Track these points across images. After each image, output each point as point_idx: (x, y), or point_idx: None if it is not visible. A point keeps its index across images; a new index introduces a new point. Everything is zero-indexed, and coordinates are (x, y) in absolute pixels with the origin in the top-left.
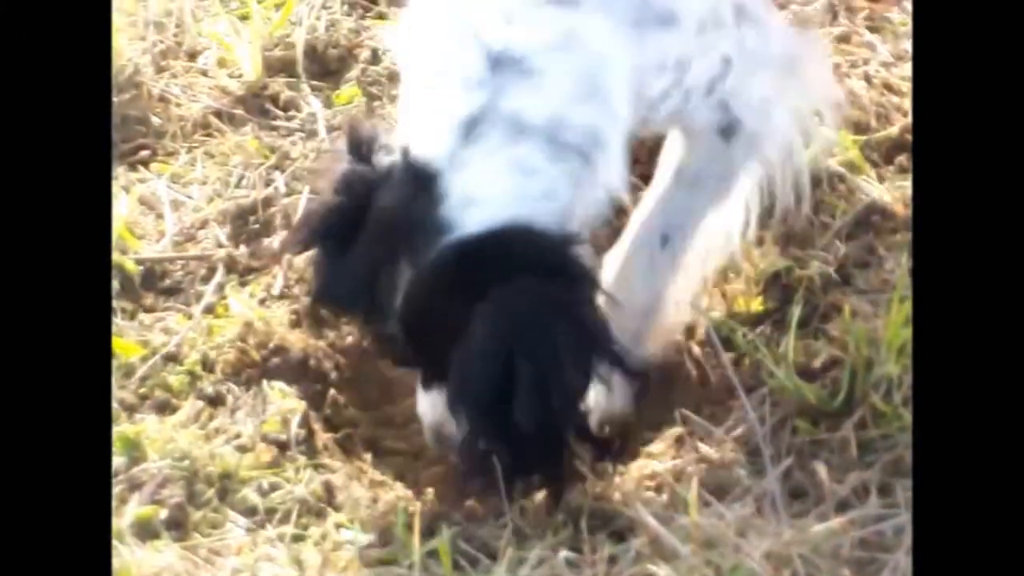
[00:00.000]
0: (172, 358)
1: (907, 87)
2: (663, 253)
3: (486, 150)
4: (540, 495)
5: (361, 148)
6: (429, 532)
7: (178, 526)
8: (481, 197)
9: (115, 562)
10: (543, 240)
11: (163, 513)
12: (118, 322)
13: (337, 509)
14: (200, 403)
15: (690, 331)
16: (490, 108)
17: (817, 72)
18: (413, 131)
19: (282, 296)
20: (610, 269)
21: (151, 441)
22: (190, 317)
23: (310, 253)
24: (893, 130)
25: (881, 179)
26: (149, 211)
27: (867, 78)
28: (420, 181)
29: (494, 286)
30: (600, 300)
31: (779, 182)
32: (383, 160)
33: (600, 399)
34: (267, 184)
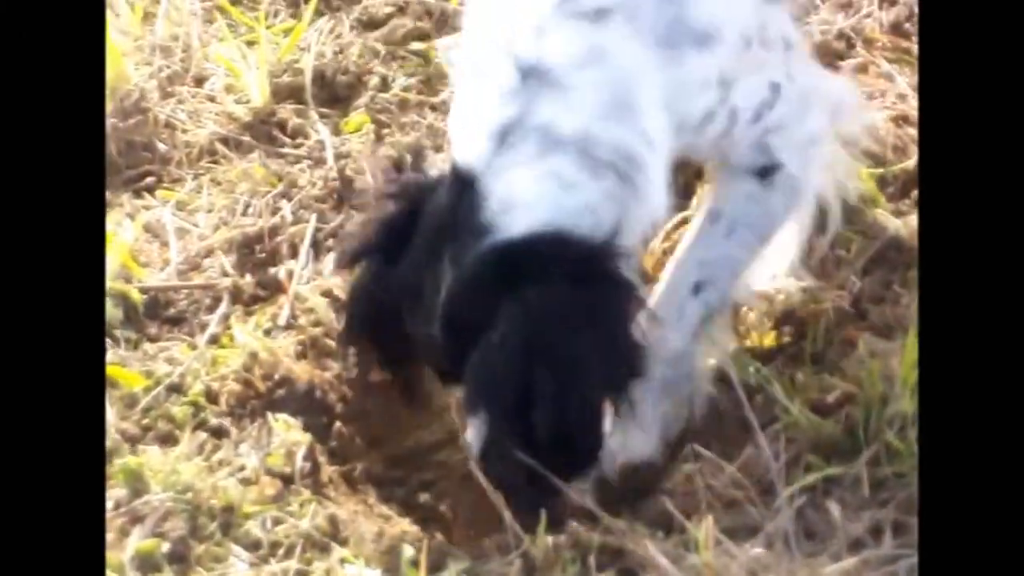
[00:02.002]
0: (176, 389)
1: None
2: (695, 301)
3: (520, 159)
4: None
5: (405, 161)
6: (436, 568)
7: (180, 560)
8: (521, 202)
9: None
10: (583, 247)
11: (165, 547)
12: (121, 351)
13: (342, 544)
14: (204, 435)
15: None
16: (521, 119)
17: (861, 120)
18: (456, 138)
19: (288, 327)
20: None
21: (153, 473)
22: (194, 347)
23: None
24: (909, 163)
25: (898, 213)
26: (154, 239)
27: (885, 109)
28: (463, 184)
29: (525, 289)
30: (639, 316)
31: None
32: (433, 171)
33: (623, 441)
34: (274, 212)
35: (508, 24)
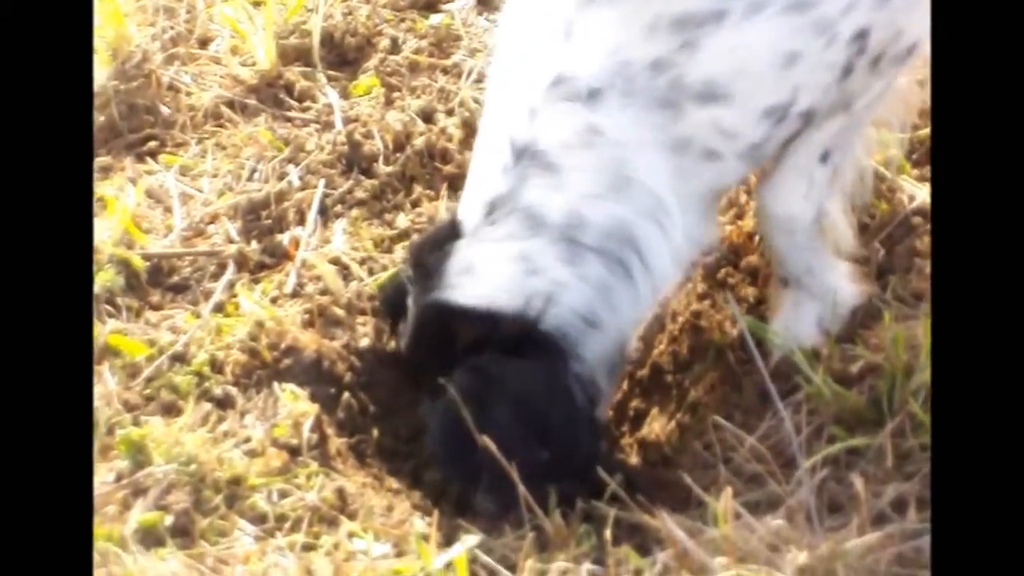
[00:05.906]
0: (179, 358)
1: None
2: (823, 168)
3: (498, 236)
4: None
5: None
6: (447, 542)
7: (184, 533)
8: (481, 272)
9: (118, 570)
10: (515, 323)
11: (168, 519)
12: (123, 320)
13: (350, 517)
14: (208, 405)
15: (724, 334)
16: (511, 197)
17: None
18: (466, 194)
19: (295, 295)
20: (771, 189)
21: (156, 444)
22: (198, 316)
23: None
24: None
25: (923, 179)
26: (157, 204)
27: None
28: (450, 234)
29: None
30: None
31: None
32: None
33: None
34: (280, 177)
35: (506, 103)
